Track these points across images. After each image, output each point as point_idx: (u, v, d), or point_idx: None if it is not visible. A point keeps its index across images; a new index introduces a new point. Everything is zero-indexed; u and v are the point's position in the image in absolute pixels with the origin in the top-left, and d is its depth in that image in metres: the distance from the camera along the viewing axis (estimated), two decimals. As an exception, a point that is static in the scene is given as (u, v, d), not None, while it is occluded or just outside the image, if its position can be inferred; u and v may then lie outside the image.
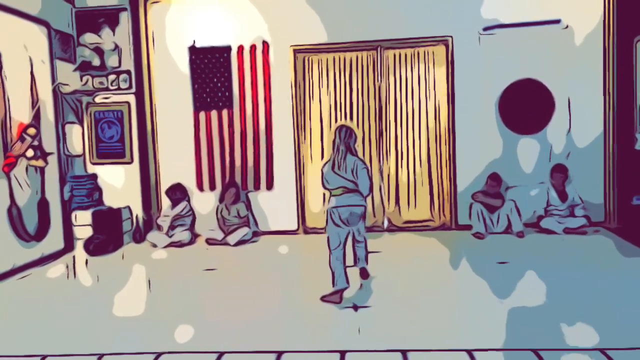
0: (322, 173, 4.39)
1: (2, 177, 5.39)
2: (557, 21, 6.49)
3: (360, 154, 5.24)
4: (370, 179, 4.28)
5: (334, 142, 4.32)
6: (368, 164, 4.39)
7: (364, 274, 4.80)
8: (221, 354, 3.29)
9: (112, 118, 6.86)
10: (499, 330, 3.51)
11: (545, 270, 4.85)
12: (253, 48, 6.87)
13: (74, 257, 6.23)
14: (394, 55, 6.80)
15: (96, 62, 6.70)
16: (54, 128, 6.28)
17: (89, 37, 6.70)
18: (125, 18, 6.73)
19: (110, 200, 6.83)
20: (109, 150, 6.90)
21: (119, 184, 6.89)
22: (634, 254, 5.38)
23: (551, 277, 4.60)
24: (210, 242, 6.59)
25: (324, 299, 4.21)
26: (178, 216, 6.69)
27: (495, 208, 6.45)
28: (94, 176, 6.82)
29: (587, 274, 4.74)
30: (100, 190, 6.85)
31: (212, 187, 7.06)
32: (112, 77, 6.75)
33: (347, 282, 4.24)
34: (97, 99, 6.84)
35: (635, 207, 5.94)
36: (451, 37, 6.66)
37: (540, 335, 3.39)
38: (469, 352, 3.16)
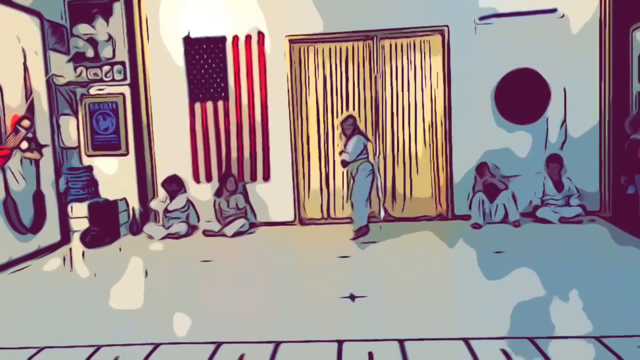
0: (355, 146, 5.82)
1: (-3, 170, 5.37)
2: (554, 10, 6.47)
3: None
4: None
5: (347, 127, 5.94)
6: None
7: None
8: (219, 344, 3.30)
9: (107, 109, 6.82)
10: (495, 318, 3.53)
11: (541, 259, 4.88)
12: (248, 38, 6.83)
13: (70, 249, 6.22)
14: (390, 45, 6.77)
15: (90, 53, 6.65)
16: (49, 120, 6.23)
17: (83, 28, 6.63)
18: (118, 8, 6.67)
19: (107, 192, 6.80)
20: (105, 142, 6.87)
21: (114, 175, 6.86)
22: (628, 242, 5.41)
23: (547, 266, 4.62)
24: (207, 233, 6.59)
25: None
26: (176, 210, 6.69)
27: (496, 194, 6.46)
28: (90, 168, 6.79)
29: (582, 262, 4.76)
30: (96, 182, 6.82)
31: (209, 178, 7.04)
32: (106, 68, 6.70)
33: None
34: (92, 91, 6.80)
35: (630, 196, 5.96)
36: (447, 26, 6.63)
37: (536, 323, 3.41)
38: (466, 340, 3.18)
